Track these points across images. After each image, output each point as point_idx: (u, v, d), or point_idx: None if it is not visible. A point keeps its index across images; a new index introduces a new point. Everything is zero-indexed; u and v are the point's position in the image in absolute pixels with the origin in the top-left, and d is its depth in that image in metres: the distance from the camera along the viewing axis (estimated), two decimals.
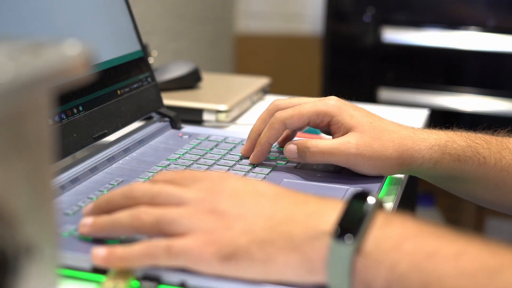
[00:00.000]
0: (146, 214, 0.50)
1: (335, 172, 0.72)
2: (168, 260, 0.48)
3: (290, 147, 0.70)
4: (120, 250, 0.49)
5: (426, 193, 1.78)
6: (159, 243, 0.49)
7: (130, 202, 0.51)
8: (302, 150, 0.69)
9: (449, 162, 0.68)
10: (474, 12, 1.66)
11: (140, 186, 0.53)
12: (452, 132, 0.70)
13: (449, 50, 1.66)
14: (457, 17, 1.66)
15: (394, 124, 0.70)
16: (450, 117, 1.70)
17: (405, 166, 0.68)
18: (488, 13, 1.63)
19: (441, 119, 1.73)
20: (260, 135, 0.72)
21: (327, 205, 0.49)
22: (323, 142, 0.68)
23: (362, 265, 0.45)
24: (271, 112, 0.72)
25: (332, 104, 0.69)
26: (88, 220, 0.52)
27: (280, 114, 0.70)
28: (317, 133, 0.82)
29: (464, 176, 0.69)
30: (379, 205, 0.48)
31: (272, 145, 0.72)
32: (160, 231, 0.49)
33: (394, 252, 0.45)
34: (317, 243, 0.46)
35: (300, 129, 0.74)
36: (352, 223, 0.46)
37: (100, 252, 0.50)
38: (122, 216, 0.51)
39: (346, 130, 0.68)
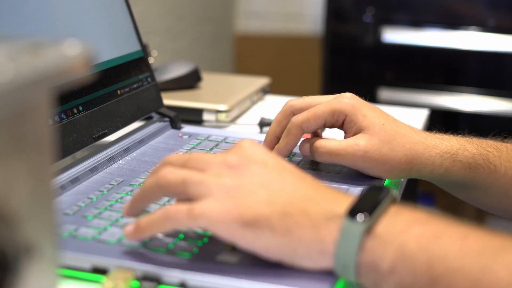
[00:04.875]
0: (172, 173, 0.51)
1: (335, 172, 0.72)
2: (189, 222, 0.49)
3: (304, 145, 0.70)
4: (144, 220, 0.51)
5: (426, 193, 1.78)
6: (181, 206, 0.50)
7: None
8: (312, 150, 0.69)
9: (460, 169, 0.68)
10: (474, 12, 1.66)
11: (174, 155, 0.54)
12: (464, 139, 0.69)
13: (449, 50, 1.66)
14: (457, 17, 1.66)
15: (407, 127, 0.69)
16: (450, 117, 1.70)
17: (414, 172, 0.68)
18: (488, 13, 1.63)
19: (441, 119, 1.73)
20: (276, 137, 0.72)
21: (343, 194, 0.52)
22: (332, 142, 0.68)
23: (371, 245, 0.47)
24: (286, 113, 0.71)
25: (346, 102, 0.69)
26: (129, 228, 0.52)
27: (296, 119, 0.69)
28: None
29: (474, 183, 0.69)
30: (393, 198, 0.50)
31: (291, 151, 0.71)
32: (184, 191, 0.50)
33: (403, 235, 0.47)
34: (331, 225, 0.48)
35: (319, 128, 0.73)
36: (365, 207, 0.48)
37: (129, 229, 0.52)
38: (148, 180, 0.52)
39: (357, 131, 0.68)
